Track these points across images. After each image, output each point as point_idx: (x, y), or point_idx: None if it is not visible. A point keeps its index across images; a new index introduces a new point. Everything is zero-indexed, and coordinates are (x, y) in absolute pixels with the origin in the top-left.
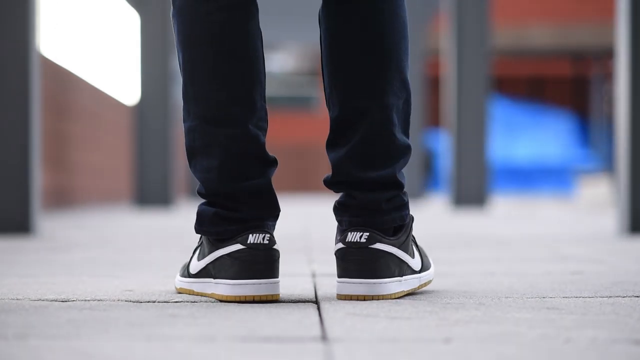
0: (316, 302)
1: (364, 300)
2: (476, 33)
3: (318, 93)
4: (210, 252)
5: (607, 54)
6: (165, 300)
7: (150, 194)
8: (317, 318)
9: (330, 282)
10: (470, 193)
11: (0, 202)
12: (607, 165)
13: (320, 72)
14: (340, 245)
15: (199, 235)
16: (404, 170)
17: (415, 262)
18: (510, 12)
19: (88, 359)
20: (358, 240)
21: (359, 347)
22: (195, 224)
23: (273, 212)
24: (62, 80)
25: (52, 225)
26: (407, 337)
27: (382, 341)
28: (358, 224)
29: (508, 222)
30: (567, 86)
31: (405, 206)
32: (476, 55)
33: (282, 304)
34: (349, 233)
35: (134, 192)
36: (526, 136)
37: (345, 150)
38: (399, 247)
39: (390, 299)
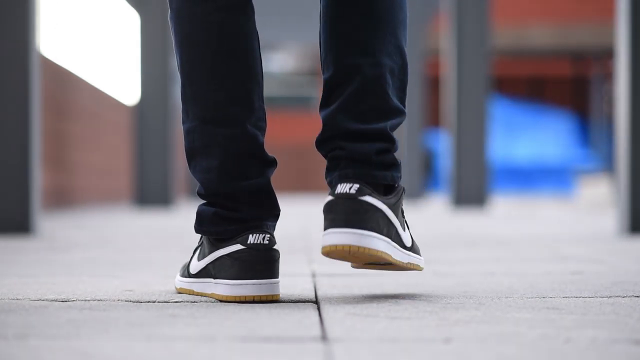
0: (316, 302)
1: (349, 251)
2: (476, 33)
3: (318, 93)
4: (210, 252)
5: (607, 54)
6: (165, 300)
7: (150, 194)
8: (317, 318)
9: (330, 282)
10: (470, 193)
11: (0, 202)
12: (607, 165)
13: (319, 46)
14: (329, 198)
15: (199, 236)
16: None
17: (405, 236)
18: (510, 12)
19: (88, 359)
20: (347, 191)
21: (359, 347)
22: (195, 223)
23: (273, 211)
24: (62, 80)
25: (52, 225)
26: (407, 337)
27: (382, 341)
28: (347, 176)
29: (508, 222)
30: (567, 86)
31: (396, 167)
32: (476, 55)
33: (282, 304)
34: (339, 185)
35: (134, 192)
36: (526, 136)
37: (336, 105)
38: (389, 207)
39: (377, 256)
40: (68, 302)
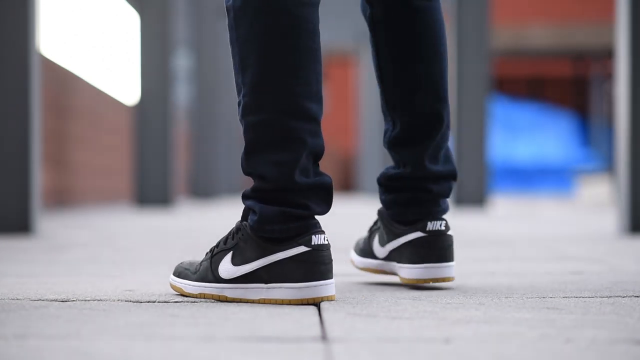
0: None
1: (443, 281)
2: (476, 33)
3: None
4: (263, 255)
5: (607, 54)
6: (165, 300)
7: (150, 194)
8: (317, 318)
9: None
10: (470, 193)
11: (0, 202)
12: (607, 165)
13: (377, 67)
14: (420, 234)
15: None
16: None
17: None
18: (510, 12)
19: (88, 359)
20: (439, 228)
21: (359, 347)
22: (254, 223)
23: (327, 209)
24: (62, 80)
25: (52, 225)
26: (407, 337)
27: (382, 341)
28: (438, 214)
29: (508, 222)
30: (567, 86)
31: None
32: (476, 55)
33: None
34: (429, 222)
35: (134, 192)
36: (526, 136)
37: (423, 149)
38: None
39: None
40: (68, 302)
